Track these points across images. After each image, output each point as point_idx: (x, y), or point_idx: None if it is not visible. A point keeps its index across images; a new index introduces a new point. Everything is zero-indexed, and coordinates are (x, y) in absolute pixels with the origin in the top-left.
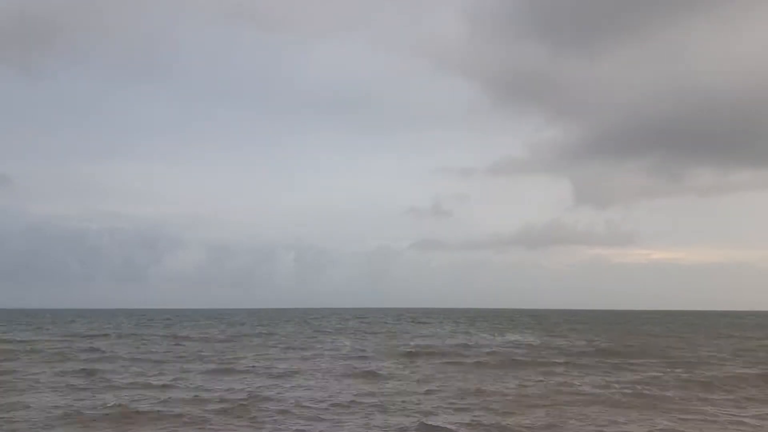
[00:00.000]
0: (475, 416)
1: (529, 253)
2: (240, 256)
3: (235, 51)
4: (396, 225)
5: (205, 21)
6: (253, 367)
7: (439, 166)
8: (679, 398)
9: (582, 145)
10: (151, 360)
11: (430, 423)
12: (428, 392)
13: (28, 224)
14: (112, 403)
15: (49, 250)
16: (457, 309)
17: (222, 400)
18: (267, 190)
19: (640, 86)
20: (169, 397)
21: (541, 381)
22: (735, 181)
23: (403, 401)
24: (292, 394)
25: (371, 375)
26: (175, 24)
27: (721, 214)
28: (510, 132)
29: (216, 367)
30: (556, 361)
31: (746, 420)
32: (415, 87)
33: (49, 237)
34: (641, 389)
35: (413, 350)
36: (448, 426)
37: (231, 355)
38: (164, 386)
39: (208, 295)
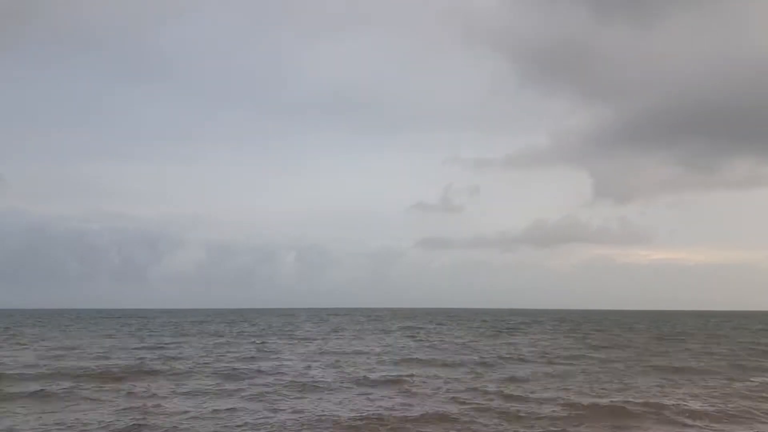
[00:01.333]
0: None
1: (540, 252)
2: (243, 256)
3: (236, 50)
4: (403, 222)
5: (206, 20)
6: None
7: (451, 158)
8: None
9: (612, 131)
10: None
11: None
12: None
13: (28, 224)
14: None
15: (49, 250)
16: (463, 309)
17: None
18: (270, 190)
19: (692, 62)
20: None
21: None
22: None
23: None
24: None
25: None
26: (175, 23)
27: (756, 210)
28: (534, 118)
29: None
30: None
31: None
32: (431, 74)
33: (49, 237)
34: None
35: None
36: None
37: None
38: None
39: (209, 296)
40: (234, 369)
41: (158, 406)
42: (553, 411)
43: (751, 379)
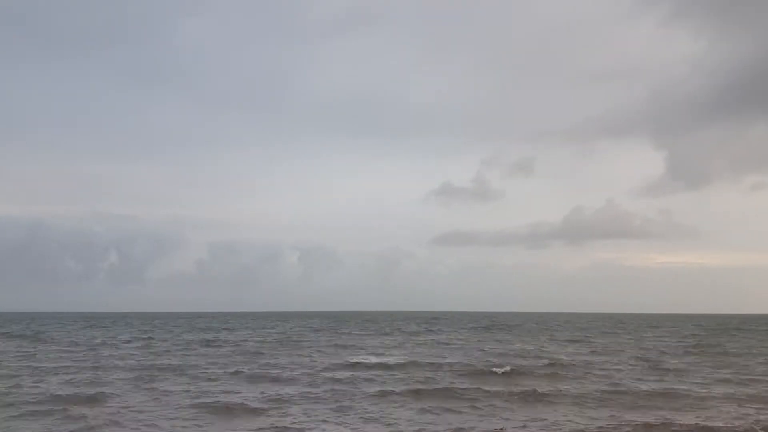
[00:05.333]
0: None
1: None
2: (252, 257)
3: (240, 52)
4: (423, 219)
5: (210, 23)
6: None
7: (492, 134)
8: None
9: (734, 77)
10: None
11: None
12: None
13: (28, 224)
14: None
15: (49, 250)
16: (484, 313)
17: None
18: (279, 193)
19: None
20: None
21: None
22: None
23: None
24: None
25: None
26: (179, 26)
27: None
28: (634, 60)
29: None
30: None
31: None
32: (447, 68)
33: (50, 237)
34: None
35: None
36: None
37: None
38: None
39: (211, 298)
40: None
41: None
42: None
43: None
